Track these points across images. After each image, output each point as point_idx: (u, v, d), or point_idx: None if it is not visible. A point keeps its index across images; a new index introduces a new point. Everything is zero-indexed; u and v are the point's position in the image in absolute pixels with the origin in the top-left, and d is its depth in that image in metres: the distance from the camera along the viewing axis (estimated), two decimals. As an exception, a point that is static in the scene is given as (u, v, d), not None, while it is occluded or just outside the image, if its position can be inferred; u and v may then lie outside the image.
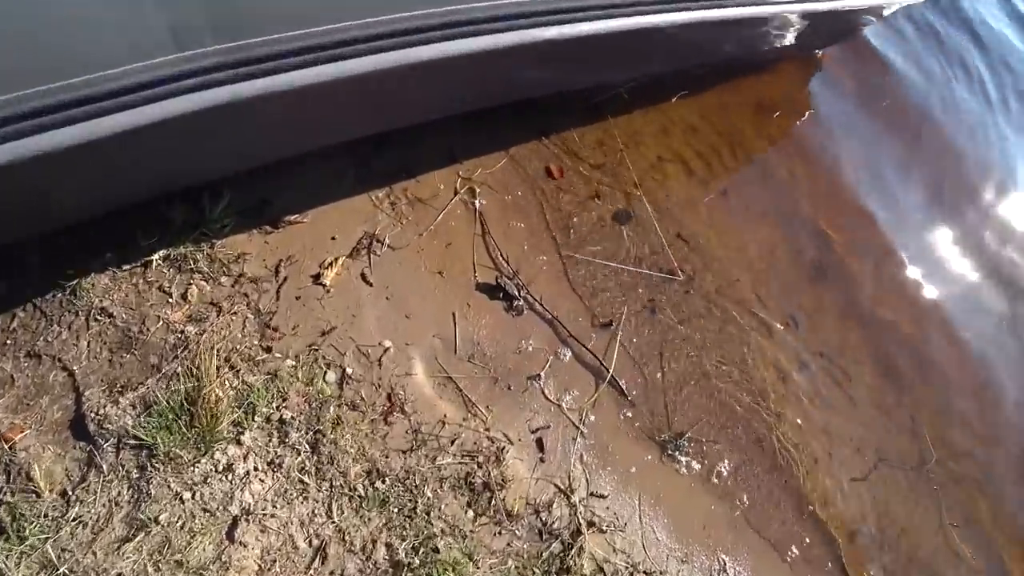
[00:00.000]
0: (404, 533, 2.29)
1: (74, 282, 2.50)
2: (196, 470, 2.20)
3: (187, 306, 2.65)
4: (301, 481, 2.26)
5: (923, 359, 3.73)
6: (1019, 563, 3.30)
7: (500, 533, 2.45)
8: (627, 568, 2.56)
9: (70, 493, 2.16)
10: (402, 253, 2.92)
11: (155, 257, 2.68)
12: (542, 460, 2.64)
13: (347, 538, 2.23)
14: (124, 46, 1.46)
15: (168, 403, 2.32)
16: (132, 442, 2.25)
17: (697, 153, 3.66)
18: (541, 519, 2.53)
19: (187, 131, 1.91)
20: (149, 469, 2.19)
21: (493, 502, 2.46)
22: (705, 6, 2.73)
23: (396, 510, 2.32)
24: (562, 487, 2.62)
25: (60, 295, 2.50)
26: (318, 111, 2.31)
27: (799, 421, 3.18)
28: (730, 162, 3.75)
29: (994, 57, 5.41)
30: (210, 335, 2.55)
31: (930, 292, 3.94)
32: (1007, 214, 4.63)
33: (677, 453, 2.89)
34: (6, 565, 2.00)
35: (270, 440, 2.32)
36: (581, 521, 2.57)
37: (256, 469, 2.24)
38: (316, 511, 2.24)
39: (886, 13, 4.08)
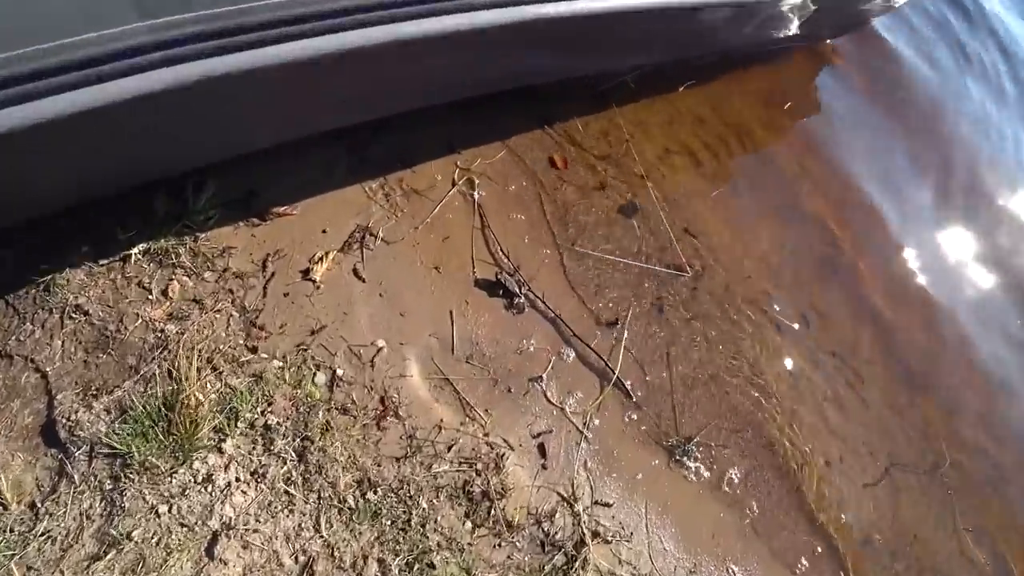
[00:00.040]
0: (397, 548, 2.12)
1: (48, 277, 2.32)
2: (173, 481, 2.02)
3: (168, 303, 2.46)
4: (287, 492, 2.08)
5: (936, 360, 3.56)
6: (1035, 569, 3.15)
7: (500, 545, 2.28)
8: (634, 581, 2.39)
9: (39, 505, 1.98)
10: (397, 247, 2.73)
11: (134, 251, 2.50)
12: (544, 467, 2.47)
13: (336, 554, 2.05)
14: (79, 12, 1.26)
15: (144, 408, 2.13)
16: (106, 450, 2.07)
17: (705, 145, 3.48)
18: (543, 530, 2.36)
19: (159, 112, 1.72)
20: (123, 480, 2.01)
21: (492, 512, 2.28)
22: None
23: (389, 523, 2.15)
24: (565, 495, 2.45)
25: (33, 291, 2.31)
26: (306, 92, 2.12)
27: (810, 424, 3.02)
28: (739, 154, 3.57)
29: (1008, 50, 5.22)
30: (192, 334, 2.37)
31: (943, 292, 3.77)
32: (1019, 211, 4.46)
33: (685, 458, 2.72)
34: (-36, 586, 1.82)
35: (254, 448, 2.14)
36: (585, 531, 2.41)
37: (238, 480, 2.05)
38: (303, 525, 2.06)
39: (898, 4, 3.89)
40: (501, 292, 2.73)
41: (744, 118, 3.70)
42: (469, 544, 2.20)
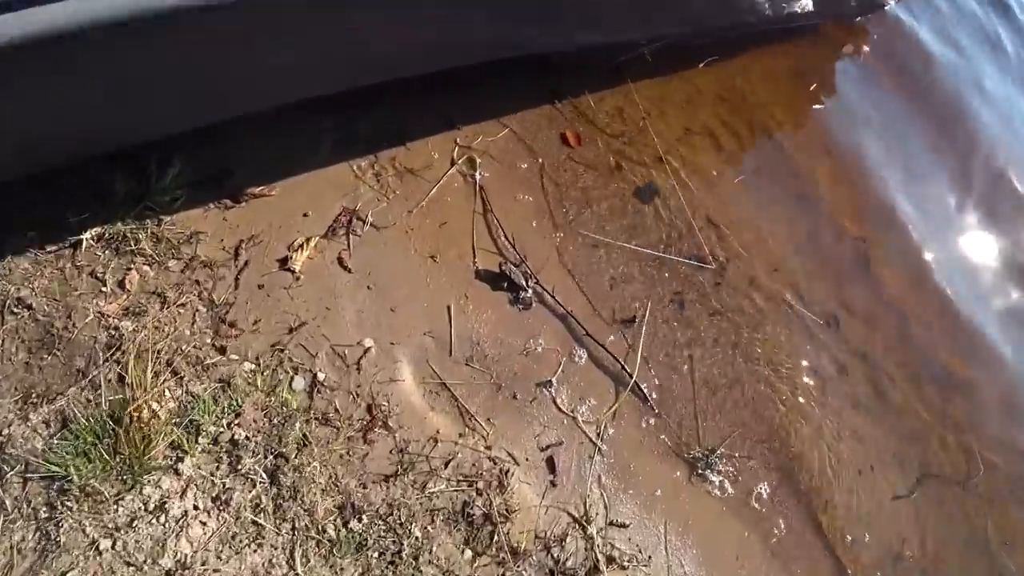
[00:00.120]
0: (385, 585, 1.77)
1: (-17, 266, 1.93)
2: (119, 509, 1.66)
3: (124, 296, 2.08)
4: (255, 523, 1.72)
5: (968, 362, 3.23)
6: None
7: (504, 575, 1.93)
8: (653, 613, 2.07)
9: (-41, 536, 1.61)
10: (388, 233, 2.36)
11: (87, 236, 2.12)
12: (553, 484, 2.13)
13: (313, 595, 1.71)
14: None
15: (88, 420, 1.76)
16: (42, 471, 1.70)
17: (727, 126, 3.11)
18: (552, 556, 2.02)
19: (90, 59, 1.33)
20: (60, 508, 1.64)
21: (496, 538, 1.94)
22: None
23: (376, 556, 1.80)
24: (577, 516, 2.11)
25: (-34, 281, 1.93)
26: (272, 42, 1.73)
27: (840, 432, 2.69)
28: (763, 138, 3.20)
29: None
30: (150, 332, 1.99)
31: (969, 291, 3.43)
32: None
33: (708, 472, 2.38)
34: None
35: (217, 468, 1.78)
36: (599, 556, 2.07)
37: (197, 508, 1.70)
38: (274, 561, 1.71)
39: None
40: (505, 285, 2.37)
41: (767, 99, 3.33)
42: (469, 577, 1.86)
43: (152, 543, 1.64)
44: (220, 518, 1.70)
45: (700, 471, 2.40)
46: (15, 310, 2.00)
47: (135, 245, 2.13)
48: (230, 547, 1.68)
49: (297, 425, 1.90)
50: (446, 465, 2.03)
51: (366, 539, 1.80)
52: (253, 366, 2.01)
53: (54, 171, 2.10)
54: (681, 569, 2.25)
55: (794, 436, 2.64)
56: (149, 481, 1.70)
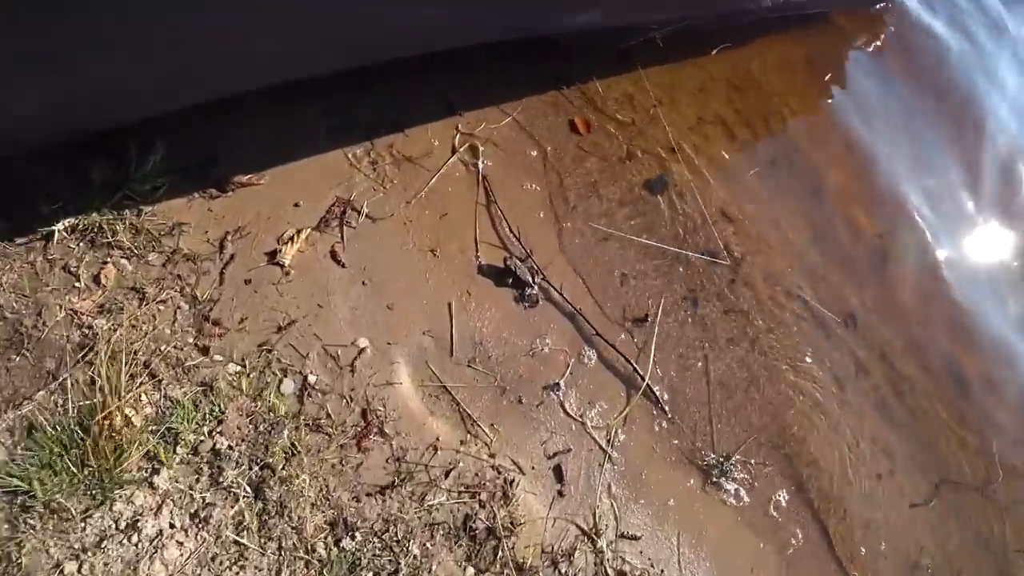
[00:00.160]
0: (380, 609, 1.61)
1: (-54, 259, 1.76)
2: (87, 528, 1.49)
3: (99, 292, 1.91)
4: (237, 543, 1.55)
5: (989, 364, 3.07)
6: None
7: (508, 595, 1.77)
8: (667, 632, 1.91)
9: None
10: (384, 225, 2.18)
11: (59, 227, 1.95)
12: (561, 494, 1.97)
13: (300, 621, 1.54)
14: None
15: (55, 428, 1.58)
16: (4, 486, 1.52)
17: (740, 116, 2.93)
18: (560, 572, 1.87)
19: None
20: (21, 526, 1.47)
21: (500, 553, 1.78)
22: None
23: (370, 576, 1.63)
24: (586, 528, 1.95)
25: (-73, 275, 1.76)
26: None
27: (857, 437, 2.54)
28: (777, 129, 3.02)
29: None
30: (127, 331, 1.82)
31: (991, 292, 3.26)
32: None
33: (723, 480, 2.22)
34: None
35: (197, 481, 1.61)
36: (609, 571, 1.92)
37: (173, 526, 1.52)
38: (257, 584, 1.54)
39: None
40: (510, 281, 2.19)
41: (781, 88, 3.15)
42: (471, 598, 1.70)
43: (123, 566, 1.46)
44: (199, 537, 1.53)
45: (715, 479, 2.24)
46: (-19, 306, 1.81)
47: (112, 237, 1.95)
48: (209, 570, 1.50)
49: (285, 433, 1.72)
50: (446, 475, 1.86)
51: (360, 558, 1.63)
52: (238, 368, 1.84)
53: (24, 157, 1.92)
54: (694, 583, 2.10)
55: (811, 441, 2.48)
56: (121, 496, 1.52)
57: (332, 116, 2.35)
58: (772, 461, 2.38)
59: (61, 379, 1.72)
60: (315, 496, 1.65)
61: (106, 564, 1.44)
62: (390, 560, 1.64)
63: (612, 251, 2.43)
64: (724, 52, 3.11)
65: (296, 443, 1.72)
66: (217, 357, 1.84)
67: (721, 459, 2.27)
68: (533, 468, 1.99)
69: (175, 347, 1.83)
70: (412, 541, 1.68)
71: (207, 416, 1.68)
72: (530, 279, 2.21)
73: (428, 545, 1.71)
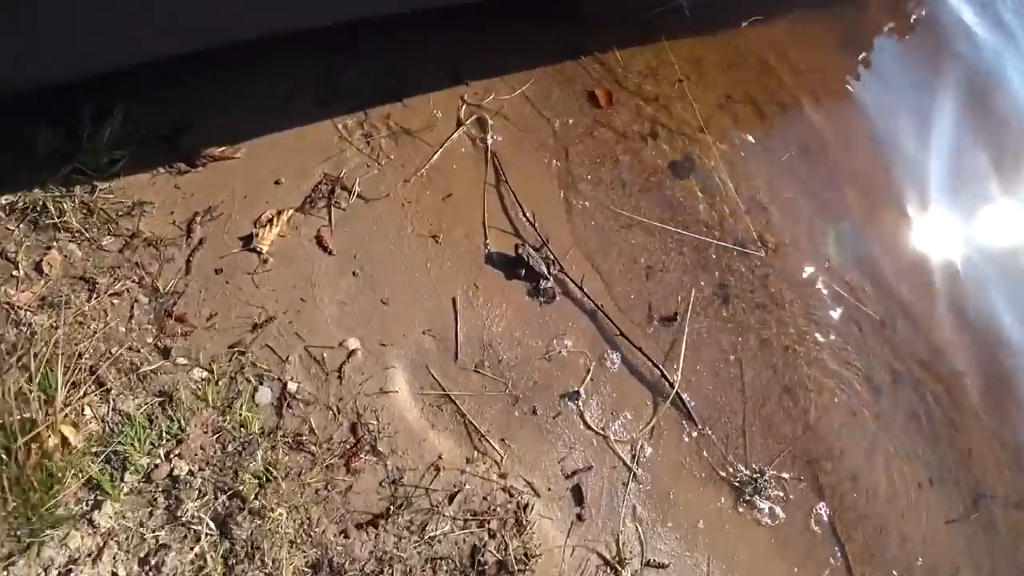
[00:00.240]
0: (372, 671, 1.30)
1: None
2: (4, 578, 1.16)
3: (41, 282, 1.60)
4: (194, 594, 1.23)
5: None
6: None
7: (522, 640, 1.47)
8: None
9: None
10: (379, 207, 1.86)
11: (-7, 204, 1.60)
12: (580, 518, 1.67)
13: None
14: None
15: (-30, 451, 1.24)
16: (-97, 518, 1.19)
17: (772, 96, 2.61)
18: (580, 610, 1.55)
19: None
20: (-79, 574, 1.14)
21: (512, 591, 1.47)
22: None
23: (360, 630, 1.32)
24: (608, 557, 1.66)
25: None
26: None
27: (895, 450, 2.28)
28: (811, 109, 2.69)
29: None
30: (72, 329, 1.49)
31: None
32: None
33: (757, 497, 1.94)
34: None
35: (149, 516, 1.28)
36: (635, 607, 1.61)
37: (116, 575, 1.19)
38: (220, 646, 1.22)
39: None
40: (523, 273, 1.87)
41: (816, 66, 2.82)
42: (480, 649, 1.40)
43: (48, 628, 1.14)
44: (147, 589, 1.21)
45: (748, 496, 1.95)
46: (-103, 297, 1.47)
47: (58, 217, 1.65)
48: (158, 631, 1.18)
49: (259, 453, 1.40)
50: (451, 500, 1.55)
51: (347, 609, 1.31)
52: (205, 373, 1.51)
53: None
54: (726, 615, 1.81)
55: (848, 454, 2.20)
56: (52, 538, 1.19)
57: (320, 82, 2.02)
58: (807, 476, 2.09)
59: (-12, 387, 1.38)
60: (294, 532, 1.33)
61: (27, 626, 1.11)
62: (384, 608, 1.33)
63: (636, 240, 2.11)
64: (755, 26, 2.76)
65: (272, 466, 1.39)
66: (180, 360, 1.51)
67: (755, 475, 1.98)
68: (549, 489, 1.68)
69: (130, 348, 1.50)
70: (411, 584, 1.37)
71: (164, 434, 1.35)
72: (545, 270, 1.88)
73: (429, 587, 1.40)
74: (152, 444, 1.35)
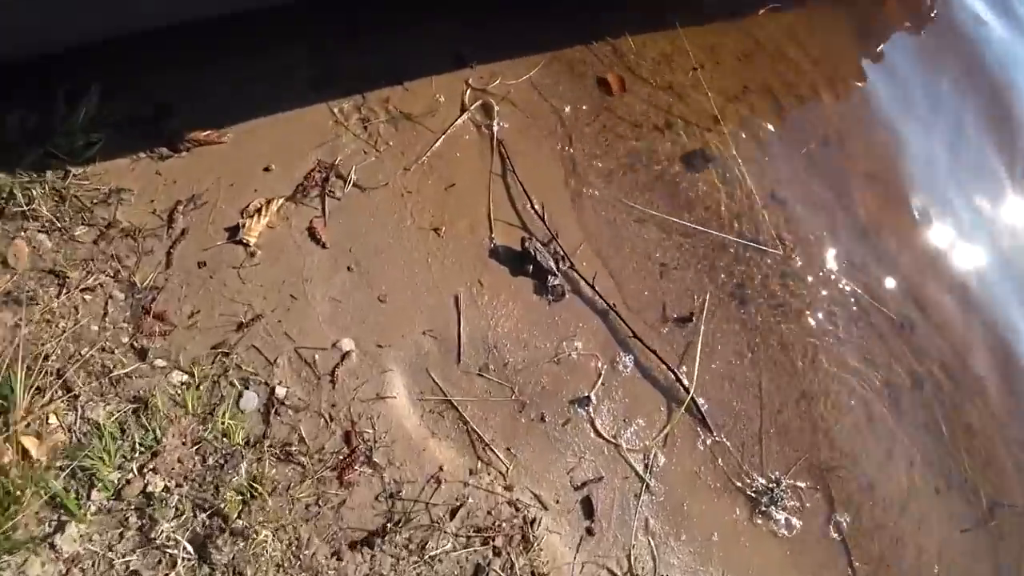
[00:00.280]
0: None
1: None
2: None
3: (7, 276, 1.43)
4: (167, 628, 1.09)
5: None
6: None
7: (528, 666, 1.34)
8: None
9: None
10: (377, 197, 1.71)
11: (-45, 189, 1.44)
12: (590, 532, 1.54)
13: None
14: None
15: (-83, 465, 1.09)
16: None
17: (788, 85, 2.46)
18: (590, 633, 1.42)
19: None
20: None
21: (518, 614, 1.33)
22: None
23: (353, 663, 1.18)
24: (620, 574, 1.55)
25: None
26: None
27: (913, 457, 2.16)
28: (829, 101, 2.55)
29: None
30: (38, 328, 1.33)
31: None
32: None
33: (773, 508, 1.83)
34: None
35: (120, 538, 1.14)
36: (647, 626, 1.48)
37: (78, 605, 1.05)
38: None
39: None
40: (531, 269, 1.72)
41: (834, 57, 2.67)
42: None
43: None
44: (114, 622, 1.07)
45: (764, 507, 1.83)
46: None
47: (27, 205, 1.49)
48: (126, 671, 1.04)
49: (243, 466, 1.25)
50: (452, 515, 1.41)
51: (339, 640, 1.18)
52: (185, 377, 1.36)
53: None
54: (741, 633, 1.68)
55: (864, 461, 2.08)
56: (9, 564, 1.05)
57: (315, 63, 1.86)
58: (823, 485, 1.97)
59: (-57, 391, 1.23)
60: (281, 554, 1.19)
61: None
62: (379, 638, 1.19)
63: (649, 236, 1.97)
64: (773, 13, 2.61)
65: (258, 479, 1.25)
66: (158, 363, 1.36)
67: (771, 484, 1.85)
68: (558, 502, 1.55)
69: (102, 349, 1.35)
70: (409, 610, 1.23)
71: (137, 446, 1.21)
72: (554, 266, 1.74)
73: (430, 613, 1.26)
74: (124, 457, 1.20)
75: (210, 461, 1.26)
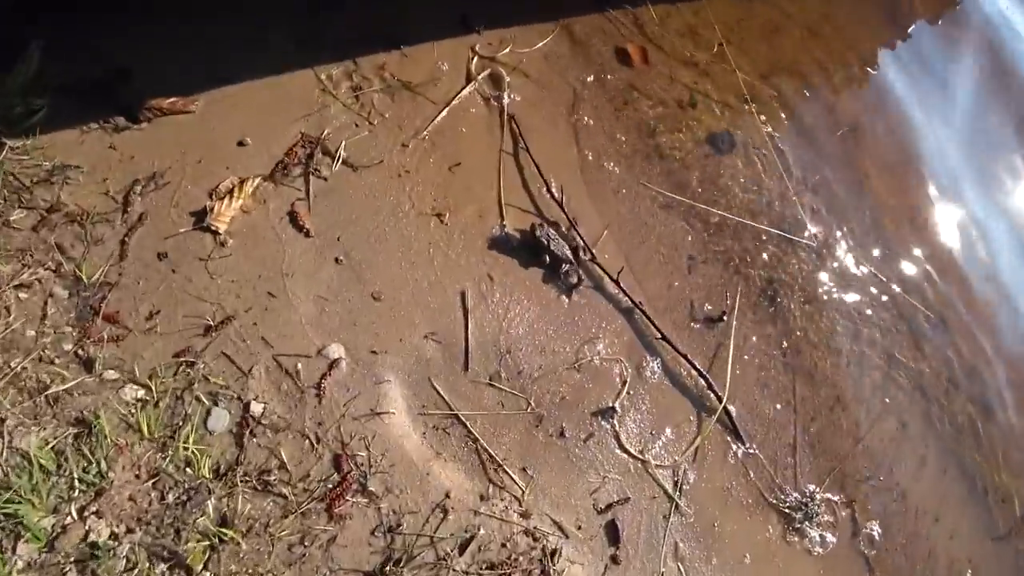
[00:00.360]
0: None
1: None
2: None
3: None
4: None
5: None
6: None
7: None
8: None
9: None
10: (370, 177, 1.45)
11: None
12: (615, 560, 1.35)
13: None
14: None
15: None
16: None
17: (819, 64, 2.25)
18: (617, 678, 1.21)
19: None
20: None
21: (537, 663, 1.12)
22: None
23: None
24: (648, 607, 1.30)
25: None
26: None
27: (946, 466, 1.98)
28: (861, 83, 2.32)
29: None
30: (-43, 331, 1.06)
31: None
32: None
33: (807, 524, 1.64)
34: None
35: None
36: (678, 665, 1.28)
37: None
38: None
39: None
40: (547, 259, 1.46)
41: (865, 36, 2.44)
42: None
43: None
44: None
45: (798, 524, 1.64)
46: None
47: None
48: None
49: (210, 503, 1.00)
50: (462, 549, 1.18)
51: None
52: (141, 392, 1.10)
53: None
54: (775, 663, 1.49)
55: (898, 470, 1.90)
56: None
57: (302, 21, 1.56)
58: (858, 496, 1.78)
59: None
60: (256, 613, 0.94)
61: None
62: None
63: (675, 225, 1.73)
64: (801, -12, 2.34)
65: (229, 519, 0.99)
66: (108, 375, 1.11)
67: (804, 499, 1.66)
68: (580, 528, 1.33)
69: (39, 360, 1.08)
70: (412, 674, 1.00)
71: (77, 483, 0.94)
72: (570, 255, 1.49)
73: (436, 674, 1.03)
74: (60, 497, 0.94)
75: (170, 498, 1.00)
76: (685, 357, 1.54)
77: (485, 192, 1.56)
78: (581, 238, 1.55)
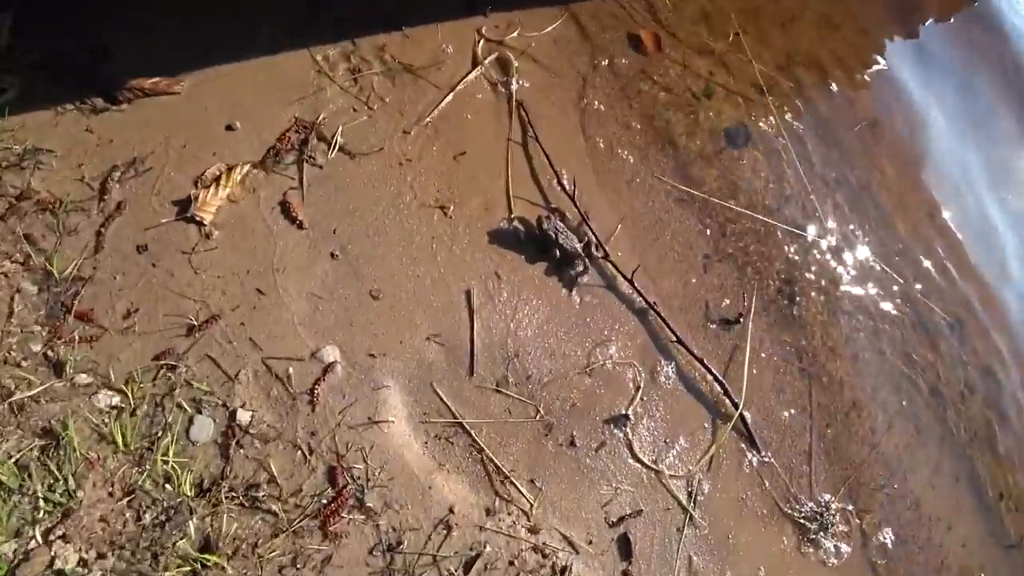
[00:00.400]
0: None
1: None
2: None
3: None
4: None
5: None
6: None
7: None
8: None
9: None
10: (368, 165, 1.35)
11: None
12: (627, 576, 1.22)
13: None
14: None
15: None
16: None
17: (837, 58, 2.16)
18: None
19: None
20: None
21: None
22: None
23: None
24: (660, 625, 1.21)
25: None
26: None
27: (959, 474, 1.91)
28: (880, 77, 2.22)
29: None
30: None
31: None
32: None
33: (822, 535, 1.57)
34: None
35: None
36: None
37: None
38: None
39: None
40: (558, 255, 1.36)
41: (882, 29, 2.33)
42: None
43: None
44: None
45: (813, 534, 1.56)
46: None
47: None
48: None
49: (191, 524, 0.89)
50: (467, 568, 1.09)
51: None
52: (116, 399, 0.99)
53: None
54: None
55: (912, 477, 1.82)
56: None
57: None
58: (874, 505, 1.71)
59: None
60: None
61: None
62: None
63: (690, 221, 1.63)
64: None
65: (213, 539, 0.88)
66: (80, 379, 0.99)
67: (820, 508, 1.57)
68: (591, 543, 1.24)
69: (3, 361, 0.97)
70: None
71: (43, 502, 0.83)
72: (579, 248, 1.38)
73: None
74: (23, 519, 0.83)
75: (146, 519, 0.90)
76: (701, 362, 1.45)
77: (492, 183, 1.44)
78: (594, 234, 1.44)
